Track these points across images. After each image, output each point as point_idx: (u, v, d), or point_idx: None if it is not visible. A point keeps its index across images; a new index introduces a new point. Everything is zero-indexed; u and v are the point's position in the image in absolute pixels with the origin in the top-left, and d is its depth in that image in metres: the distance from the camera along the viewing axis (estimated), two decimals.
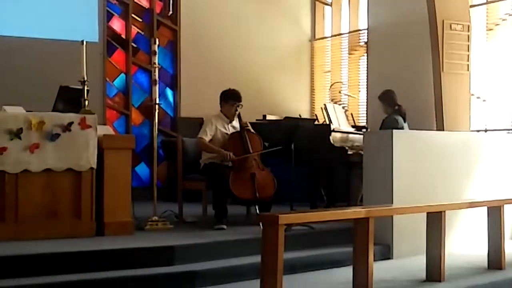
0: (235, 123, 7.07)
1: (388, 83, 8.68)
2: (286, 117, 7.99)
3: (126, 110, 10.13)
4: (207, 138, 6.90)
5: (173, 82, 10.45)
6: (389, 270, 5.81)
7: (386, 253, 6.35)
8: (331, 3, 11.22)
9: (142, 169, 10.13)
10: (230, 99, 7.03)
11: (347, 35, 10.85)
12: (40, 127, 5.66)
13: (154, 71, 6.66)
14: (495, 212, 6.02)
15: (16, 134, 5.58)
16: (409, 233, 6.31)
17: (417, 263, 5.77)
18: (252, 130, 7.13)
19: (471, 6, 8.71)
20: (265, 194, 6.67)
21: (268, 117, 9.80)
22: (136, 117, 10.23)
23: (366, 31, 10.26)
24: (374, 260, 5.03)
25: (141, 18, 10.34)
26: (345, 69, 10.88)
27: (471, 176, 7.10)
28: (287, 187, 6.84)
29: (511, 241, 6.98)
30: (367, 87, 10.12)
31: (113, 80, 10.09)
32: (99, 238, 5.79)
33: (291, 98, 11.03)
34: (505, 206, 6.09)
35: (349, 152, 7.73)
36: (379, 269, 5.37)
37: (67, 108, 6.18)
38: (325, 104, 8.44)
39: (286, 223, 4.57)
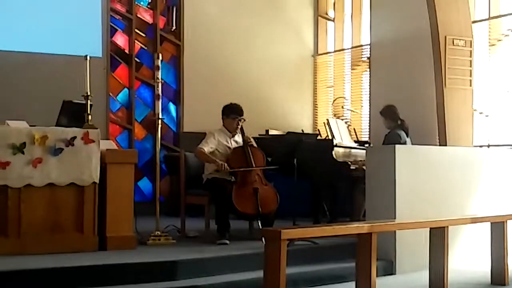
0: (238, 137, 7.08)
1: (391, 98, 8.69)
2: (288, 132, 8.00)
3: (129, 125, 10.15)
4: (206, 149, 6.90)
5: (176, 97, 10.47)
6: (392, 286, 5.80)
7: (389, 269, 6.33)
8: (334, 18, 11.26)
9: (144, 184, 10.13)
10: (231, 113, 7.04)
11: (350, 50, 10.88)
12: (43, 142, 5.68)
13: (157, 86, 6.68)
14: (498, 228, 6.01)
15: (19, 148, 5.60)
16: (412, 249, 6.30)
17: (420, 279, 5.76)
18: (255, 145, 7.14)
19: (474, 21, 8.73)
20: (268, 209, 6.66)
21: (271, 132, 9.81)
22: (139, 131, 10.24)
23: (368, 46, 10.29)
24: (377, 276, 5.02)
25: (144, 33, 10.38)
26: (347, 84, 10.89)
27: (474, 191, 7.09)
28: (290, 202, 6.83)
29: None
30: (369, 102, 10.13)
31: (116, 95, 10.12)
32: (101, 252, 5.79)
33: (293, 113, 11.04)
34: (509, 221, 6.08)
35: (352, 167, 7.72)
36: (382, 285, 5.36)
37: (70, 122, 6.20)
38: (327, 119, 8.45)
39: (289, 238, 4.57)
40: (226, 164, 6.74)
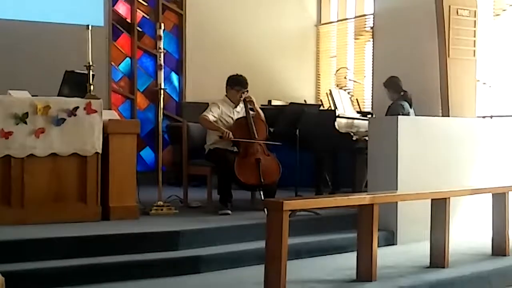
0: (239, 108, 7.07)
1: (394, 69, 8.66)
2: (291, 103, 7.97)
3: (131, 95, 10.13)
4: (210, 117, 6.90)
5: (179, 67, 10.44)
6: (393, 256, 5.83)
7: (390, 239, 6.37)
8: None
9: (147, 154, 10.15)
10: (236, 85, 7.02)
11: (353, 20, 10.81)
12: (46, 112, 5.68)
13: (160, 56, 6.65)
14: (499, 199, 6.02)
15: (22, 118, 5.60)
16: (413, 219, 6.32)
17: (421, 249, 5.79)
18: (257, 106, 7.09)
19: None
20: (270, 180, 6.68)
21: (274, 103, 9.80)
22: (141, 101, 10.24)
23: (372, 16, 10.20)
24: (378, 246, 5.04)
25: (146, 2, 10.31)
26: (350, 54, 10.84)
27: (476, 162, 7.10)
28: (292, 172, 6.85)
29: None
30: (372, 73, 10.08)
31: (118, 64, 10.09)
32: (104, 222, 5.83)
33: (296, 83, 11.01)
34: (510, 192, 6.09)
35: (354, 138, 7.72)
36: (383, 255, 5.39)
37: (72, 92, 6.18)
38: (330, 90, 8.42)
39: (291, 209, 4.59)
40: (230, 133, 6.75)
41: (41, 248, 4.91)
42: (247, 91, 7.01)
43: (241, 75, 7.07)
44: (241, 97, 6.99)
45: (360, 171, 7.73)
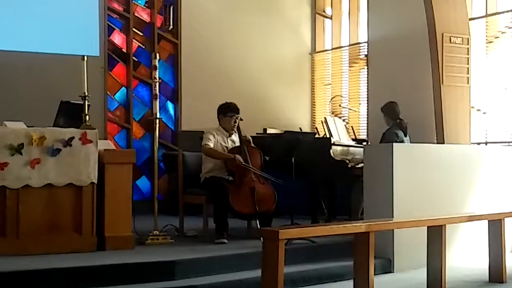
0: (234, 137, 7.08)
1: (388, 96, 8.70)
2: (286, 131, 8.00)
3: (127, 124, 10.15)
4: (212, 144, 6.91)
5: (174, 96, 10.48)
6: (390, 284, 5.82)
7: (387, 267, 6.35)
8: (331, 16, 11.26)
9: (143, 183, 10.14)
10: (228, 111, 7.04)
11: (347, 48, 10.88)
12: (41, 142, 5.68)
13: (155, 86, 6.68)
14: (495, 225, 6.02)
15: (17, 149, 5.61)
16: (410, 247, 6.32)
17: (418, 277, 5.78)
18: (252, 144, 7.14)
19: (471, 19, 8.74)
20: (265, 208, 6.67)
21: (269, 131, 9.81)
22: (137, 130, 10.24)
23: (366, 44, 10.29)
24: (375, 274, 5.04)
25: (142, 32, 10.38)
26: (345, 81, 10.89)
27: (471, 189, 7.10)
28: (288, 200, 6.85)
29: None
30: (367, 100, 10.14)
31: (114, 94, 10.12)
32: (100, 253, 5.80)
33: (291, 111, 11.04)
34: (506, 219, 6.10)
35: (350, 165, 7.73)
36: (380, 283, 5.38)
37: (68, 123, 6.20)
38: (325, 117, 8.45)
39: (287, 238, 4.58)
40: (239, 156, 6.75)
41: (36, 279, 4.88)
42: (240, 117, 7.02)
43: (230, 102, 7.10)
44: (235, 122, 7.01)
45: (356, 198, 7.73)
